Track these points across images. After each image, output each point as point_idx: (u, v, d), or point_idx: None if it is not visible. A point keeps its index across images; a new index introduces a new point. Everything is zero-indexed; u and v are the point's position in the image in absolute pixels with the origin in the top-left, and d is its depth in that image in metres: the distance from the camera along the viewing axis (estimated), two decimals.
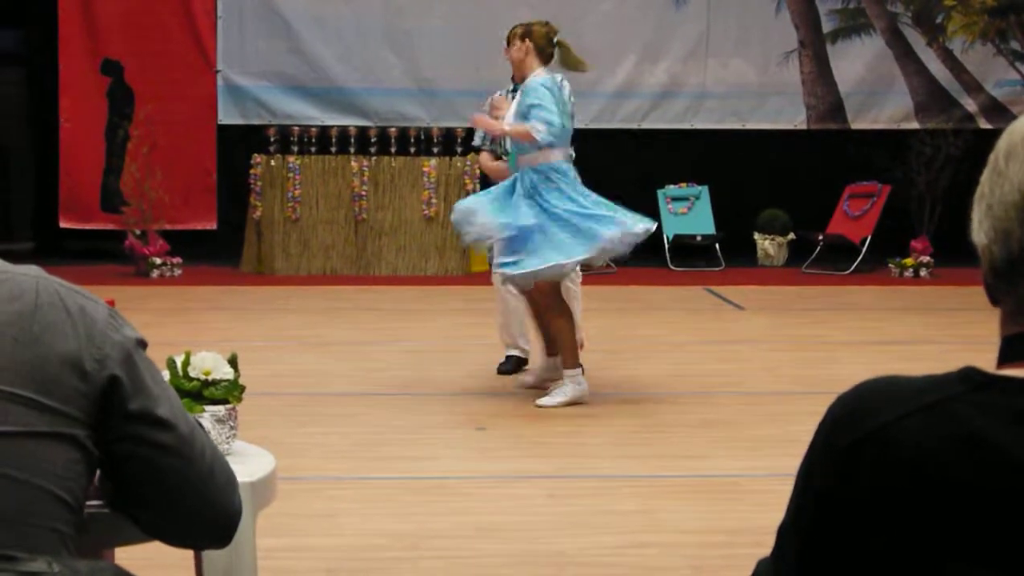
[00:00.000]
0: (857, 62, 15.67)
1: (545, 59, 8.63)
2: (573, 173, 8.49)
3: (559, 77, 8.67)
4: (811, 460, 1.75)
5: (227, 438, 3.10)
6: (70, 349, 2.24)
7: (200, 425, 2.43)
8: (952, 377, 1.68)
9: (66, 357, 2.23)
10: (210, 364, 3.05)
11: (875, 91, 15.67)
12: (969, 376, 1.67)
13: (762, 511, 5.99)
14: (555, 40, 8.65)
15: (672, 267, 14.93)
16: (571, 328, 8.50)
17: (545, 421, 8.17)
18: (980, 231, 1.71)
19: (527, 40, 8.67)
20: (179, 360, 3.07)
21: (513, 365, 9.41)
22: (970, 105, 15.71)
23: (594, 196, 8.44)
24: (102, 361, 2.26)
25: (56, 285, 2.29)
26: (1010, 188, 1.67)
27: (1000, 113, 15.44)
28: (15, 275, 2.28)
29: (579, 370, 8.57)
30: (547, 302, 8.54)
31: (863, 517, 1.66)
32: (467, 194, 14.57)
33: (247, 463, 3.06)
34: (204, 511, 2.40)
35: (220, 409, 3.08)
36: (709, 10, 15.45)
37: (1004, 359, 1.70)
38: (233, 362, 3.12)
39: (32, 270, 2.31)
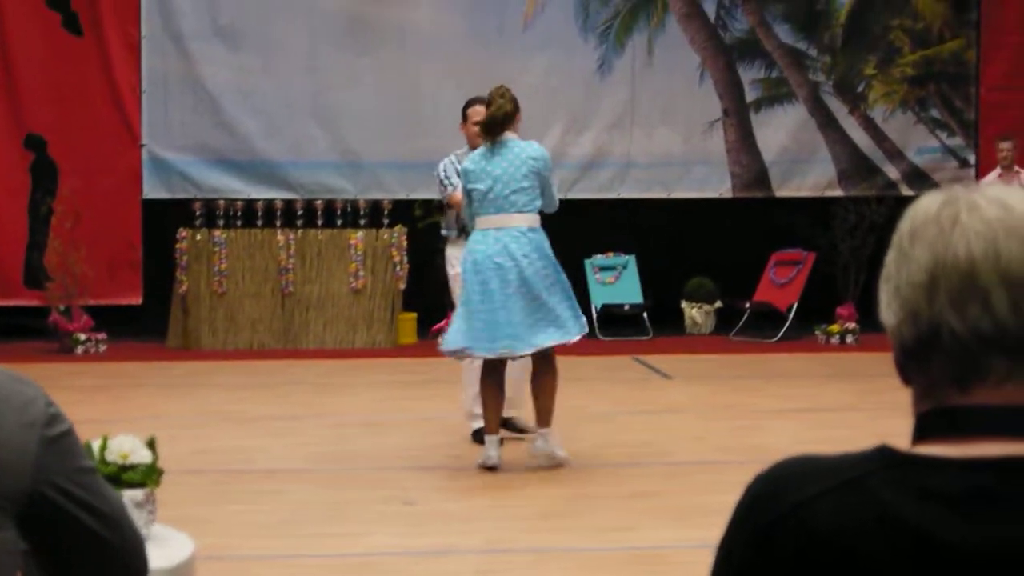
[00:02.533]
0: (780, 131, 15.82)
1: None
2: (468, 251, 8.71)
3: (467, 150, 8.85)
4: (729, 539, 1.74)
5: (145, 522, 3.07)
6: (12, 443, 2.21)
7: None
8: (867, 455, 1.68)
9: (8, 451, 2.21)
10: (127, 448, 3.02)
11: (799, 159, 15.82)
12: (884, 454, 1.67)
13: None
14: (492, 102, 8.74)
15: (600, 337, 14.93)
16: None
17: (474, 495, 8.14)
18: (889, 311, 1.72)
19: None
20: (96, 444, 3.04)
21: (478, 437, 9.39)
22: (892, 172, 15.89)
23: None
24: (41, 453, 2.24)
25: None
26: (916, 269, 1.68)
27: (922, 180, 15.62)
28: None
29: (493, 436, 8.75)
30: None
31: None
32: (394, 267, 14.59)
33: (165, 547, 3.03)
34: (120, 565, 2.41)
35: (138, 493, 3.05)
36: (633, 80, 15.57)
37: (917, 437, 1.70)
38: (151, 445, 3.09)
39: None
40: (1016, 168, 14.40)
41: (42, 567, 2.39)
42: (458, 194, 9.05)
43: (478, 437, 9.19)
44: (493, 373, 8.75)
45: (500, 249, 8.49)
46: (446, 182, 9.44)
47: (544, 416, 8.71)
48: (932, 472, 1.63)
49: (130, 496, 3.06)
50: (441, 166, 9.56)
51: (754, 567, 1.68)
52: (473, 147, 9.17)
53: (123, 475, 3.05)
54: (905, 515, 1.61)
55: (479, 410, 9.15)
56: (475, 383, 9.10)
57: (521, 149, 8.64)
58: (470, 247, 8.65)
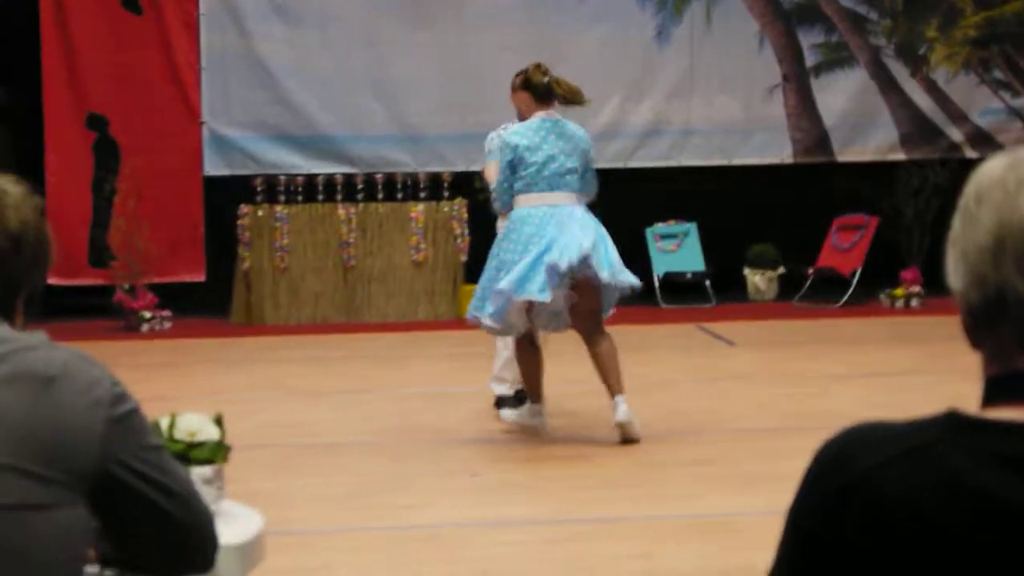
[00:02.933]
0: (841, 95, 15.71)
1: (543, 101, 8.65)
2: (529, 224, 8.43)
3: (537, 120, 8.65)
4: (798, 506, 1.75)
5: (214, 499, 3.09)
6: (79, 422, 2.25)
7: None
8: (936, 421, 1.68)
9: (75, 430, 2.25)
10: (195, 425, 3.04)
11: (860, 123, 15.71)
12: (952, 419, 1.67)
13: (757, 550, 5.96)
14: (547, 79, 8.65)
15: (663, 305, 14.92)
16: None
17: (539, 465, 8.15)
18: (956, 275, 1.72)
19: (525, 89, 8.71)
20: (164, 422, 3.07)
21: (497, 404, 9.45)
22: (956, 135, 15.75)
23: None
24: (107, 432, 2.27)
25: (66, 355, 2.31)
26: (982, 232, 1.67)
27: (986, 142, 15.48)
28: (24, 347, 2.29)
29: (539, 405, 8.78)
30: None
31: (850, 561, 1.66)
32: (455, 239, 14.61)
33: (235, 524, 3.05)
34: (189, 540, 2.43)
35: (206, 470, 3.07)
36: (692, 48, 15.50)
37: (987, 401, 1.70)
38: (218, 422, 3.11)
39: (38, 339, 2.32)
40: None
41: (113, 544, 2.42)
42: (491, 168, 9.00)
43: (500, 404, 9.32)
44: (525, 338, 8.68)
45: (552, 221, 8.39)
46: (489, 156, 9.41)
47: (613, 384, 8.56)
48: (1002, 437, 1.63)
49: (198, 473, 3.09)
50: (488, 139, 9.52)
51: (823, 533, 1.69)
52: (522, 118, 9.00)
53: (191, 452, 3.08)
54: (975, 480, 1.61)
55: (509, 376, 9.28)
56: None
57: (577, 131, 8.63)
58: (518, 221, 8.48)
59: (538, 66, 8.77)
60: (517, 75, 8.86)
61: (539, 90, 8.63)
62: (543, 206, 8.42)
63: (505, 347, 9.27)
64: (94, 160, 14.93)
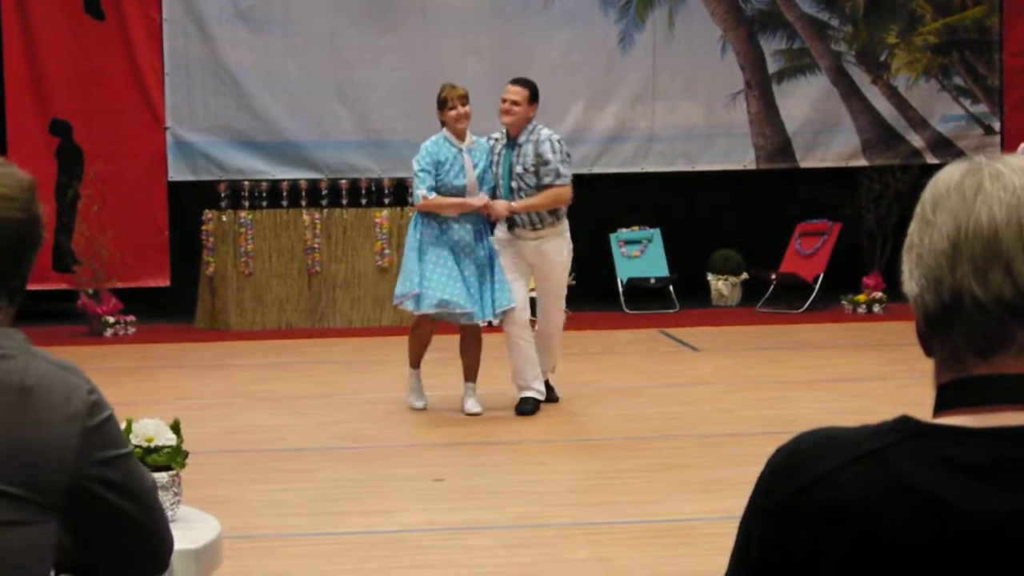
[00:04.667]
0: (803, 101, 15.76)
1: None
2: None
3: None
4: (751, 513, 1.75)
5: (171, 504, 3.08)
6: (55, 438, 2.22)
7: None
8: (887, 427, 1.68)
9: (51, 447, 2.22)
10: (152, 431, 3.03)
11: (822, 130, 15.76)
12: (903, 425, 1.67)
13: (718, 555, 5.97)
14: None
15: (626, 310, 14.94)
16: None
17: (502, 470, 8.16)
18: (911, 281, 1.72)
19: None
20: (121, 427, 3.05)
21: (532, 407, 9.45)
22: (916, 141, 15.82)
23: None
24: (81, 445, 2.25)
25: (44, 365, 2.27)
26: (939, 237, 1.68)
27: (946, 148, 15.55)
28: (1, 356, 2.25)
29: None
30: None
31: (803, 569, 1.66)
32: None
33: (191, 529, 3.04)
34: (148, 541, 2.42)
35: (163, 476, 3.06)
36: (655, 54, 15.52)
37: (939, 408, 1.70)
38: (176, 428, 3.09)
39: (16, 344, 2.27)
40: None
41: (76, 550, 2.40)
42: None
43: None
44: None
45: None
46: None
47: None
48: (953, 442, 1.63)
49: (155, 478, 3.07)
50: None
51: (776, 539, 1.68)
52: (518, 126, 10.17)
53: (148, 458, 3.07)
54: (926, 486, 1.61)
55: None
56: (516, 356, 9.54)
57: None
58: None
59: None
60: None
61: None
62: None
63: (513, 357, 9.51)
64: (57, 165, 14.87)
